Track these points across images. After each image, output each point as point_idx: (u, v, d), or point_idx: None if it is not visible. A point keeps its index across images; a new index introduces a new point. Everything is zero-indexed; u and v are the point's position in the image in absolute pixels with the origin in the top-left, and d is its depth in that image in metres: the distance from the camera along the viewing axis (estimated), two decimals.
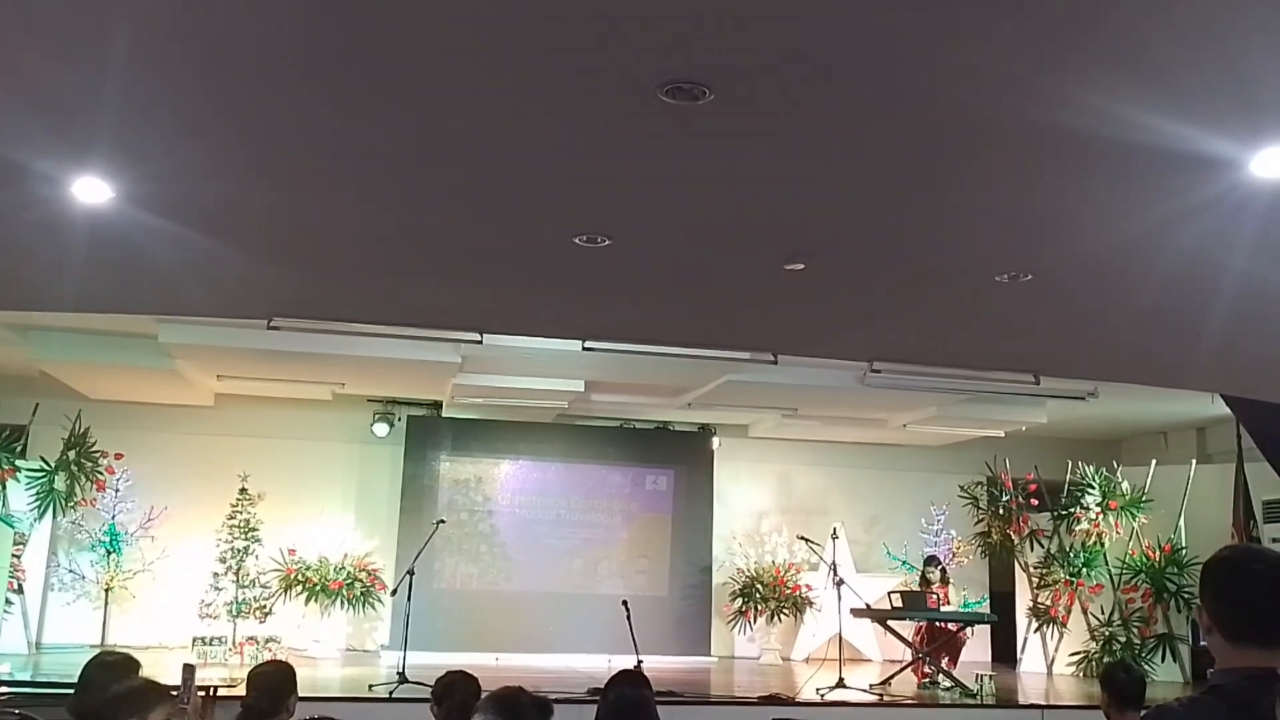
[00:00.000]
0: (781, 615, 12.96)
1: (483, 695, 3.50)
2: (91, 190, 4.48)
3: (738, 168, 4.21)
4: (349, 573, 11.85)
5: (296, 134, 4.01)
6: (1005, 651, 13.13)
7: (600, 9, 3.03)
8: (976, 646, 12.04)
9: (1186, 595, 11.65)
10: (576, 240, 5.11)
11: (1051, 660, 12.44)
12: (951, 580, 11.38)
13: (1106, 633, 11.93)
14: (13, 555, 10.44)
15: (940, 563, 11.55)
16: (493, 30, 3.17)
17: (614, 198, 4.64)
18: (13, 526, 10.35)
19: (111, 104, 3.66)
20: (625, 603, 9.14)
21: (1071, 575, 12.18)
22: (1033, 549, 12.72)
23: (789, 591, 12.91)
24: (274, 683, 4.28)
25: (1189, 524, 11.95)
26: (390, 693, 8.34)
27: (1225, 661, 2.06)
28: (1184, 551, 11.84)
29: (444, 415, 13.00)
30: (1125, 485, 12.18)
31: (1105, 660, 11.15)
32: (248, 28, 3.18)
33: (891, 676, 10.21)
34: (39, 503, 10.97)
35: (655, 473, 13.61)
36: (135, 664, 3.97)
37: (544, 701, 3.18)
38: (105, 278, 6.06)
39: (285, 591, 11.73)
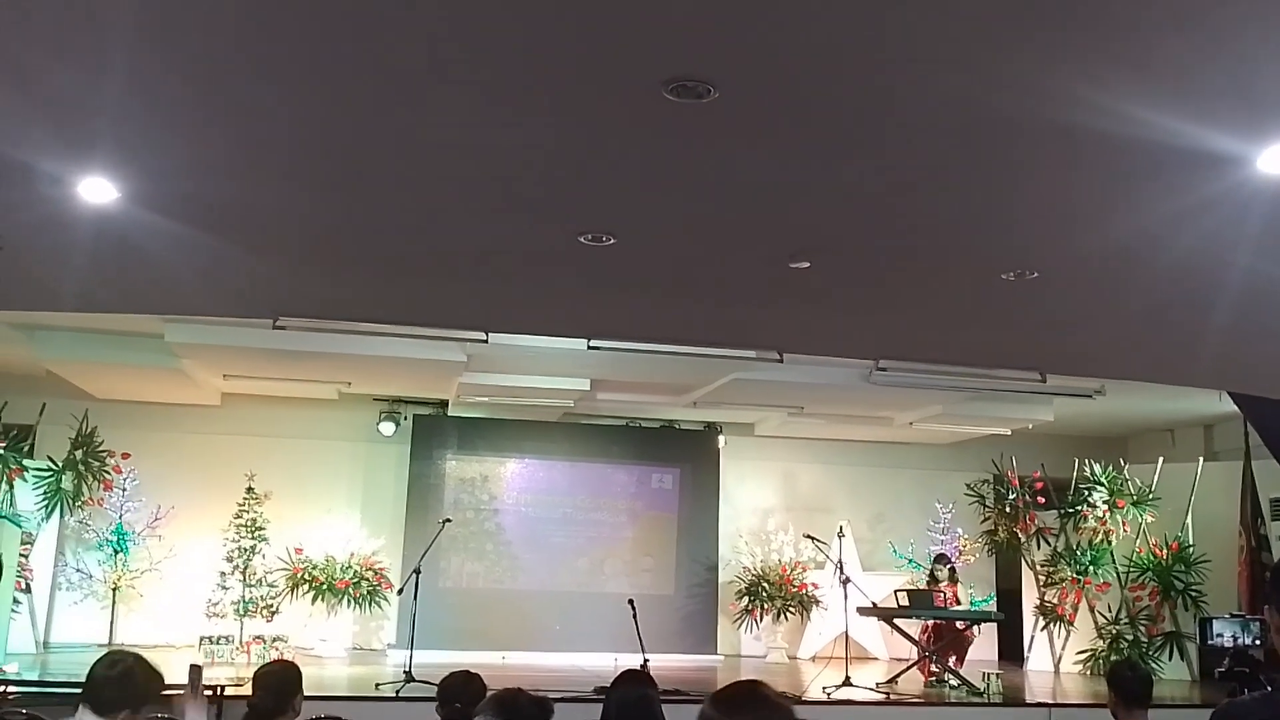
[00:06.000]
0: (788, 614, 12.93)
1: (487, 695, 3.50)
2: (97, 190, 4.49)
3: (742, 165, 4.21)
4: (355, 571, 11.83)
5: (303, 132, 4.02)
6: (1012, 650, 13.08)
7: (605, 7, 3.02)
8: (983, 645, 12.01)
9: (1194, 594, 11.62)
10: (581, 239, 5.12)
11: (1058, 658, 12.39)
12: (960, 579, 11.37)
13: (1114, 631, 11.89)
14: (20, 555, 10.44)
15: (949, 561, 11.53)
16: (498, 29, 3.16)
17: (618, 196, 4.64)
18: (20, 526, 10.34)
19: (115, 102, 3.67)
20: (631, 601, 9.14)
21: (1078, 573, 12.14)
22: (1039, 547, 12.66)
23: (795, 590, 12.87)
24: (280, 682, 4.29)
25: (1196, 522, 11.92)
26: (397, 692, 8.34)
27: None
28: (1191, 549, 11.80)
29: (450, 414, 13.00)
30: (1132, 483, 12.14)
31: (1112, 658, 11.10)
32: (252, 25, 3.18)
33: (898, 675, 10.20)
34: (46, 502, 10.98)
35: (661, 471, 13.58)
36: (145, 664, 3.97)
37: (543, 700, 3.17)
38: (111, 278, 6.08)
39: (292, 590, 11.72)
